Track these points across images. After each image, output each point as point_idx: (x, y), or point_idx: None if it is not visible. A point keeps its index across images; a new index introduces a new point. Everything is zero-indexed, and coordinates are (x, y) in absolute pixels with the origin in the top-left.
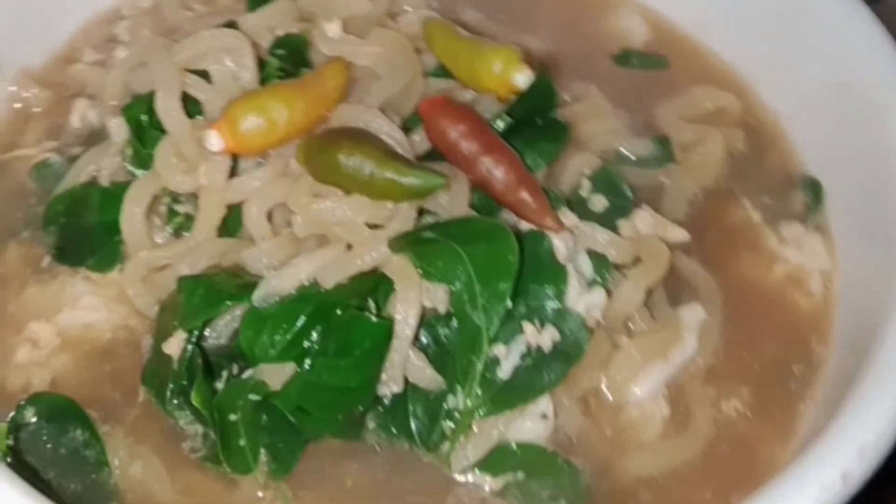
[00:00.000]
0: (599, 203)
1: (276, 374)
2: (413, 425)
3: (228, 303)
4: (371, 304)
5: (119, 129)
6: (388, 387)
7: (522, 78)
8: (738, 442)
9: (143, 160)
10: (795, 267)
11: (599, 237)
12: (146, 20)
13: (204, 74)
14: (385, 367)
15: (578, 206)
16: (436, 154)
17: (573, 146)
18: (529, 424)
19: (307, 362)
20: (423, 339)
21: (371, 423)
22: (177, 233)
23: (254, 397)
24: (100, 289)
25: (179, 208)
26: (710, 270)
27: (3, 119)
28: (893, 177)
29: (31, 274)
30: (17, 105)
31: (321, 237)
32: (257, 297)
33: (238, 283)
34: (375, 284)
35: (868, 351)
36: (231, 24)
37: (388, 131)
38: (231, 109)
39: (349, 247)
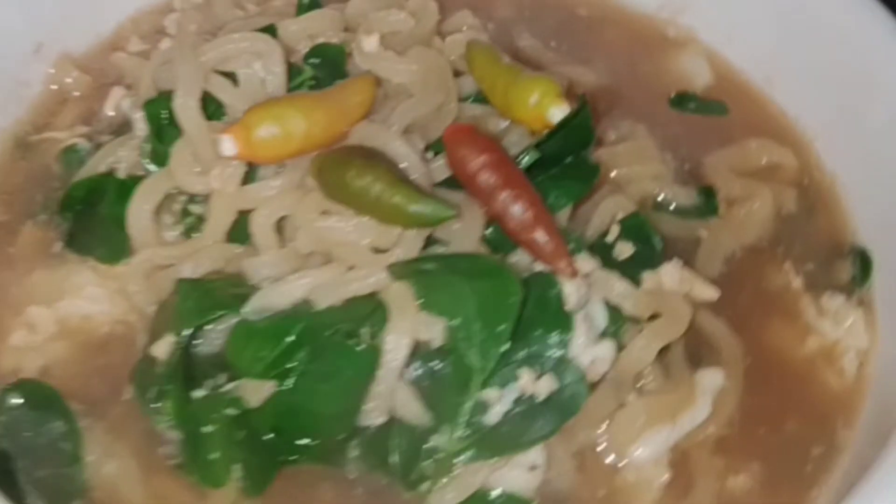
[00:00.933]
0: (625, 251)
1: (255, 391)
2: (393, 459)
3: (219, 312)
4: (365, 329)
5: (141, 124)
6: (372, 418)
7: (559, 112)
8: None
9: (161, 157)
10: (831, 342)
11: (616, 287)
12: (196, 15)
13: (233, 77)
14: (369, 398)
15: (602, 252)
16: (456, 183)
17: (610, 188)
18: (516, 474)
19: (289, 382)
20: (417, 373)
21: (353, 452)
22: (187, 233)
23: (231, 411)
24: (105, 280)
25: (195, 209)
26: (737, 334)
27: (39, 100)
28: None
29: (40, 258)
30: (54, 87)
31: (327, 255)
32: (249, 309)
33: (235, 293)
34: (372, 310)
35: (888, 440)
36: (271, 29)
37: (404, 154)
38: (248, 116)
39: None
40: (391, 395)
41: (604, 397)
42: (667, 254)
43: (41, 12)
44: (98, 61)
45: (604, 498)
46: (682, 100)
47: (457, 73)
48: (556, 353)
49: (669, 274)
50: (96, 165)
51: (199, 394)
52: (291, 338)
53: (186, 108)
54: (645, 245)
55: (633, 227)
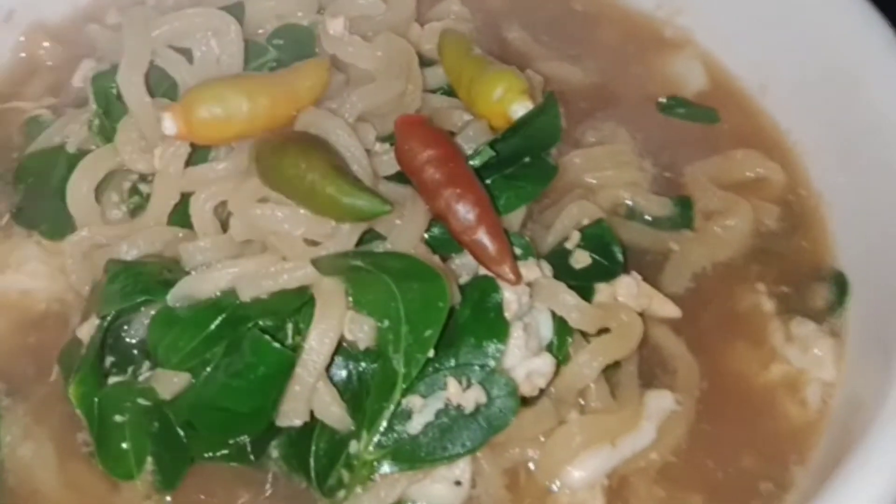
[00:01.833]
0: (582, 260)
1: (167, 383)
2: (312, 463)
3: (143, 297)
4: (290, 326)
5: (92, 97)
6: (289, 419)
7: (521, 109)
8: None
9: (108, 133)
10: (796, 370)
11: (562, 298)
12: None
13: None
14: (286, 398)
15: (561, 260)
16: (405, 177)
17: (581, 192)
18: (440, 488)
19: (203, 375)
20: (342, 373)
21: (274, 453)
22: (133, 213)
23: (143, 402)
24: (48, 256)
25: (144, 188)
26: (697, 355)
27: (7, 68)
28: None
29: None
30: (23, 55)
31: (265, 245)
32: (172, 296)
33: (165, 278)
34: (301, 305)
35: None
36: (240, 6)
37: (347, 144)
38: (189, 95)
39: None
40: (310, 396)
41: (541, 413)
42: (633, 265)
43: None
44: (72, 32)
45: None
46: (672, 104)
47: (430, 63)
48: (488, 362)
49: (626, 287)
50: (51, 138)
51: (114, 380)
52: (210, 329)
53: (129, 83)
54: (605, 255)
55: (596, 235)
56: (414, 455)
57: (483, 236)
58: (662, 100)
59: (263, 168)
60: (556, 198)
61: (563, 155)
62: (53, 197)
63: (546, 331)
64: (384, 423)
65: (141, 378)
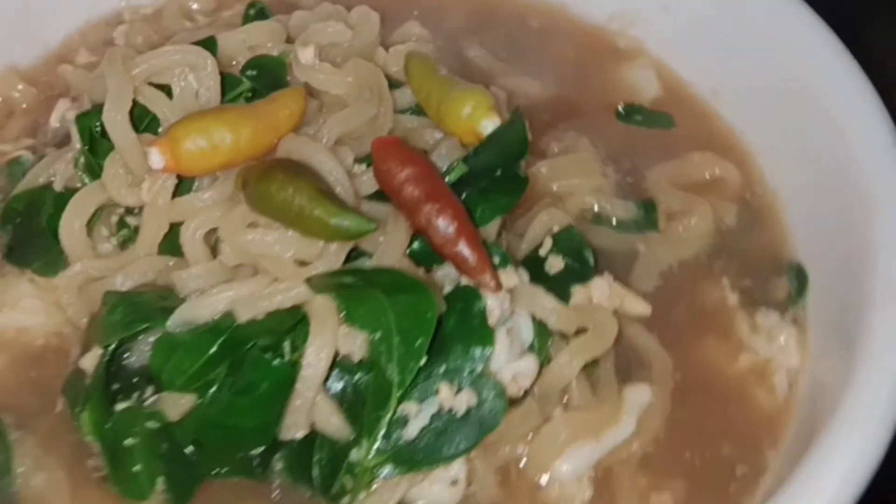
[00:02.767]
0: (556, 265)
1: (174, 405)
2: (315, 473)
3: (144, 325)
4: (287, 343)
5: (77, 136)
6: (292, 432)
7: (489, 125)
8: None
9: (94, 170)
10: (763, 360)
11: (541, 302)
12: (144, 27)
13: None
14: (287, 412)
15: (535, 266)
16: (384, 196)
17: (549, 201)
18: (438, 489)
19: (208, 396)
20: (339, 385)
21: (278, 465)
22: (122, 245)
23: (152, 424)
24: (42, 293)
25: (131, 220)
26: (669, 350)
27: None
28: (876, 279)
29: None
30: None
31: (256, 268)
32: (172, 322)
33: (162, 306)
34: (296, 323)
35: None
36: (212, 40)
37: (329, 168)
38: (174, 129)
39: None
40: (310, 409)
41: (527, 412)
42: (604, 267)
43: None
44: (45, 73)
45: None
46: (629, 112)
47: (398, 85)
48: (476, 367)
49: (599, 288)
50: (36, 178)
51: (121, 406)
52: (212, 351)
53: (115, 122)
54: (577, 259)
55: (566, 241)
56: (412, 458)
57: (463, 248)
58: (620, 108)
59: (251, 195)
60: (527, 207)
61: (531, 166)
62: (43, 235)
63: (527, 334)
64: (383, 430)
65: (147, 402)
